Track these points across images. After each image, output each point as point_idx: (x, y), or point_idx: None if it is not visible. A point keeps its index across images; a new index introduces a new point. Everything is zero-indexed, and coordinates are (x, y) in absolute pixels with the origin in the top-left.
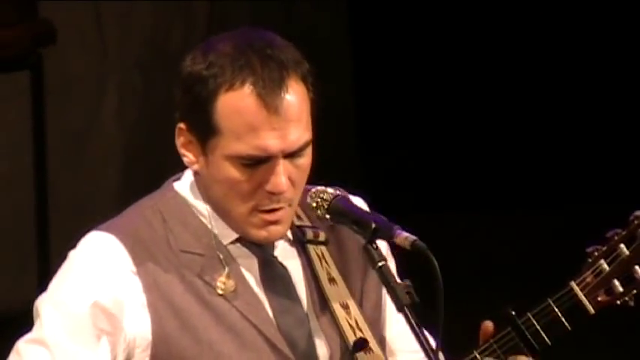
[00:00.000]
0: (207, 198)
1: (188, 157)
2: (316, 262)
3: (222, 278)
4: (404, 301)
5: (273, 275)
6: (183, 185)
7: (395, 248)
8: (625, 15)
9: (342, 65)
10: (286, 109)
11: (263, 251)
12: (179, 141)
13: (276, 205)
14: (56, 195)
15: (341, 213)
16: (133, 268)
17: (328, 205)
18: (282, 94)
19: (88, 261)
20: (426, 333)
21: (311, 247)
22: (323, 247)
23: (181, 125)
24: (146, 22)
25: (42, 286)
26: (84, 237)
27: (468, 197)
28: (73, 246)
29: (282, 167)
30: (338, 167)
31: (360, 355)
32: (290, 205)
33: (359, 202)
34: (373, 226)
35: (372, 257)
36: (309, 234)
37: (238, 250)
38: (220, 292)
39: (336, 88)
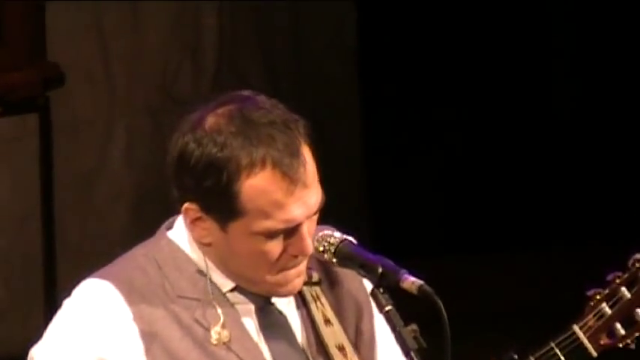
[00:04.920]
0: (224, 267)
1: (198, 231)
2: (312, 305)
3: (217, 328)
4: (411, 346)
5: (272, 322)
6: (177, 234)
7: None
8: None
9: (350, 103)
10: (306, 177)
11: (260, 299)
12: (187, 219)
13: (299, 264)
14: (65, 236)
15: (348, 257)
16: (130, 315)
17: (335, 249)
18: (301, 165)
19: (86, 310)
20: None
21: (306, 289)
22: (317, 288)
23: (191, 206)
24: (154, 65)
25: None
26: (78, 285)
27: (470, 240)
28: (68, 294)
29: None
30: (344, 205)
31: None
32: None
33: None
34: (380, 270)
35: (379, 302)
36: None
37: (236, 298)
38: (214, 342)
39: (344, 125)
